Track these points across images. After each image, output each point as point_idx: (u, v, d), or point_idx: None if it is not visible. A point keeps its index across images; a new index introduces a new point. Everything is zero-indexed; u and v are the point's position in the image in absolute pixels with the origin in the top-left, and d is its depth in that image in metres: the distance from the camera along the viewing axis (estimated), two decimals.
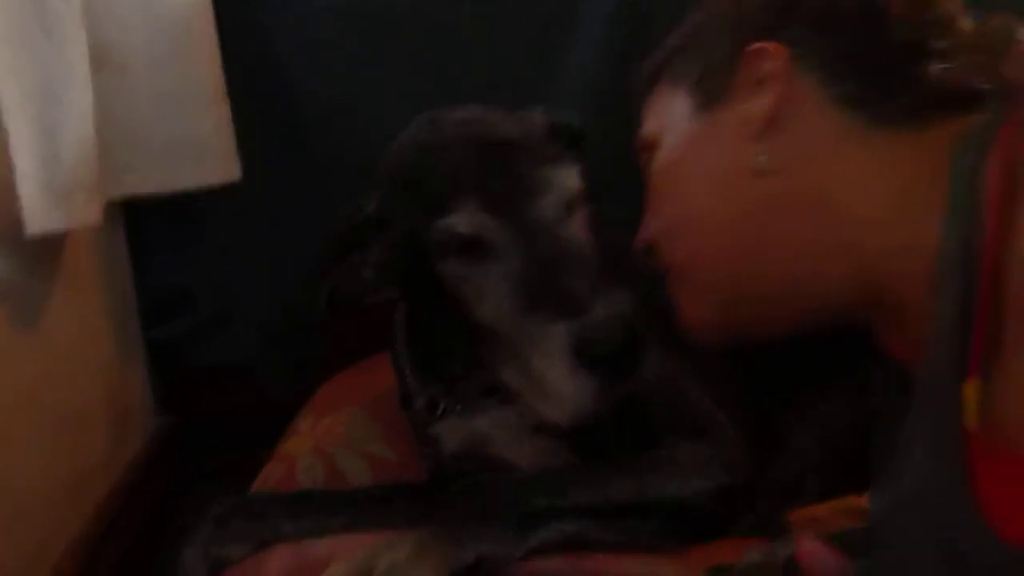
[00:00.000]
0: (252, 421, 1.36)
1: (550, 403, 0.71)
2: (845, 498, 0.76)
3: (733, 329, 0.74)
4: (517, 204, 0.76)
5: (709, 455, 0.82)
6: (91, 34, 1.09)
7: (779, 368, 0.91)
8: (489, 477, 0.79)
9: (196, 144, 1.30)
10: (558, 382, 0.69)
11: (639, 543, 0.77)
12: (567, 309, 0.69)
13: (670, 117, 0.76)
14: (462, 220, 0.75)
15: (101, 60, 1.14)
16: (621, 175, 0.97)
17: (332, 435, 1.09)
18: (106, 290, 1.33)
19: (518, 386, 0.75)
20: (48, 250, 1.09)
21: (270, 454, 1.11)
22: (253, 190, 1.40)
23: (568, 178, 0.79)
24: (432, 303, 0.83)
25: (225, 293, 1.52)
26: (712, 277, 0.72)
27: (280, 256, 1.44)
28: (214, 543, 0.82)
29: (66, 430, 1.08)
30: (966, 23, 0.68)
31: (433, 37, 1.46)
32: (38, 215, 0.91)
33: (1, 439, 0.89)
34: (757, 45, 0.68)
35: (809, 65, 0.67)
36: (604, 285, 0.71)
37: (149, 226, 1.47)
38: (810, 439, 0.90)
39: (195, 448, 1.52)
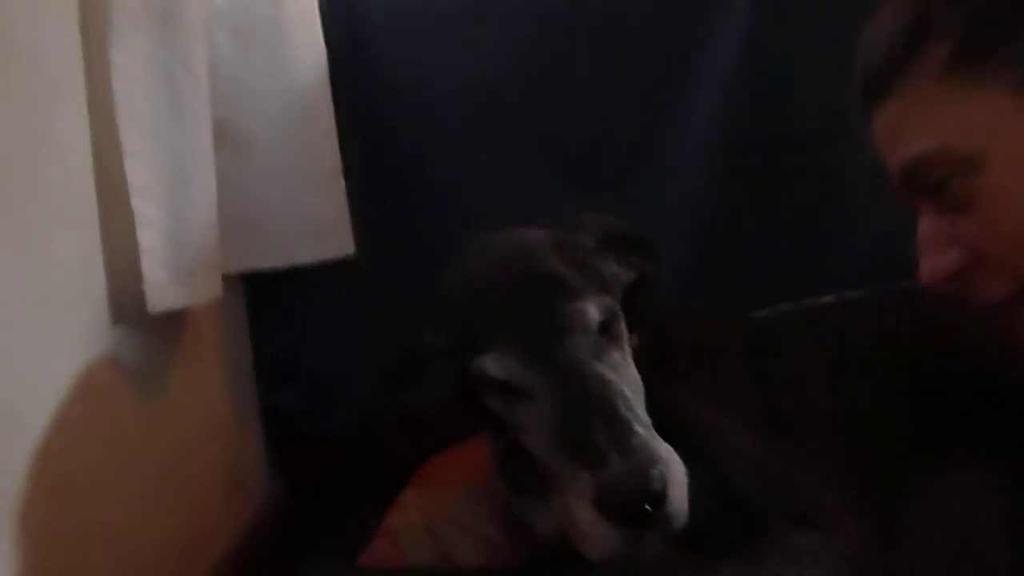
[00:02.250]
0: (361, 488, 1.38)
1: (580, 541, 0.74)
2: None
3: None
4: (548, 344, 0.79)
5: (822, 544, 0.79)
6: (213, 113, 1.12)
7: (902, 444, 0.87)
8: (592, 563, 0.77)
9: (312, 220, 1.34)
10: (583, 525, 0.73)
11: None
12: (589, 458, 0.72)
13: (990, 123, 0.65)
14: (493, 364, 0.81)
15: (222, 139, 1.18)
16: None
17: (439, 511, 1.09)
18: (226, 357, 1.36)
19: (560, 513, 0.78)
20: (171, 324, 1.12)
21: (378, 521, 1.11)
22: (364, 266, 1.43)
23: (600, 309, 0.81)
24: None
25: (332, 366, 1.55)
26: None
27: (387, 333, 1.46)
28: None
29: (186, 494, 1.10)
30: None
31: (549, 119, 1.48)
32: (161, 293, 0.93)
33: (125, 502, 0.92)
34: None
35: None
36: (630, 432, 0.72)
37: (266, 296, 1.51)
38: (939, 531, 0.84)
39: (305, 513, 1.54)
